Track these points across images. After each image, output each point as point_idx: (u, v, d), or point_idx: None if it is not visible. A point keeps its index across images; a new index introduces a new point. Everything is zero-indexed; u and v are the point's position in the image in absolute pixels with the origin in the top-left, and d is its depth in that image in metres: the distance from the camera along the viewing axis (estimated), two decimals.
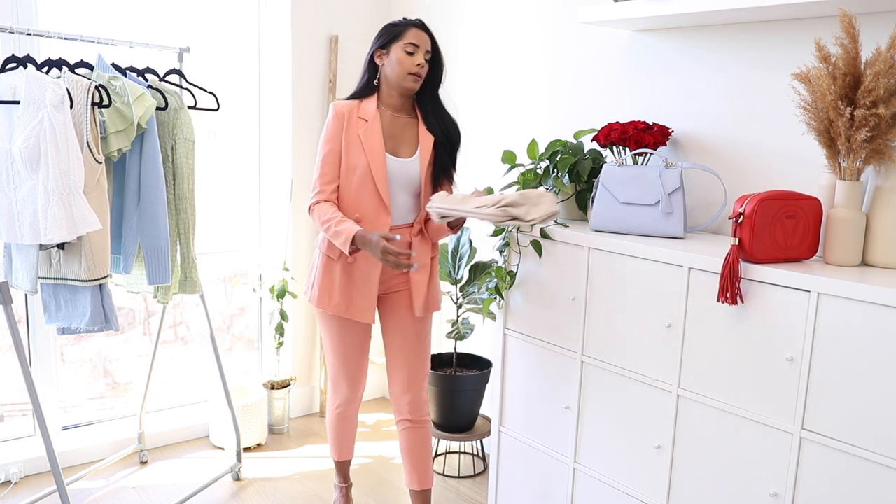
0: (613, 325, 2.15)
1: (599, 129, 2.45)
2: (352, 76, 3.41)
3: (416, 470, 2.43)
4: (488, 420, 3.16)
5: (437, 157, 2.31)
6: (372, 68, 2.30)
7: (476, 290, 2.96)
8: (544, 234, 2.30)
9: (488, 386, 3.09)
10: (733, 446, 1.88)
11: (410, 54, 2.20)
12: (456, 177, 2.38)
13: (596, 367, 2.21)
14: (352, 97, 2.32)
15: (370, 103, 2.27)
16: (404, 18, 2.27)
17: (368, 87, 2.31)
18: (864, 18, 1.94)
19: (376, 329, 2.55)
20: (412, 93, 2.27)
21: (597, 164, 2.37)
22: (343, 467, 2.68)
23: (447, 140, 2.32)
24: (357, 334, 2.39)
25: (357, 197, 2.24)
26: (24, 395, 2.99)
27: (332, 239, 2.18)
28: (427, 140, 2.29)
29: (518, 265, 2.43)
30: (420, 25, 2.25)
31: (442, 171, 2.32)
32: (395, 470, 3.10)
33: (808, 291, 1.70)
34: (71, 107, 2.16)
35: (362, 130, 2.23)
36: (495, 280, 2.42)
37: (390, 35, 2.23)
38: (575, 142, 2.47)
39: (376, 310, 2.38)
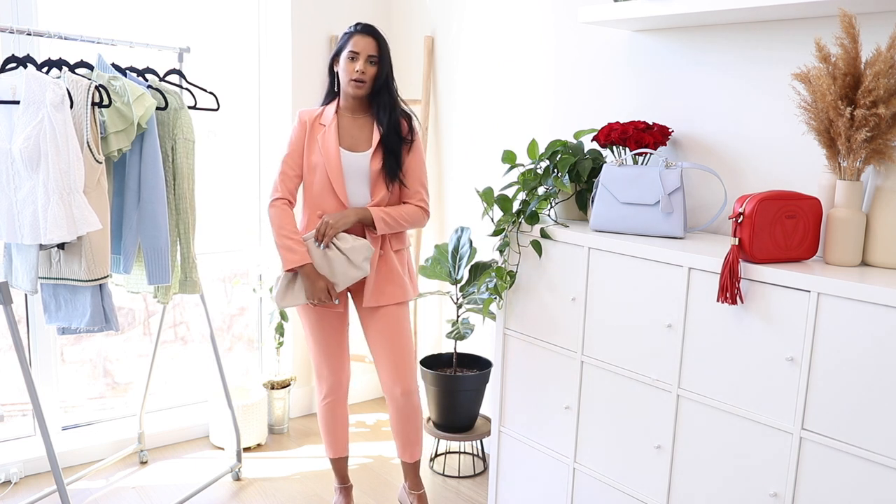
0: (613, 325, 2.15)
1: (599, 129, 2.45)
2: None
3: (408, 443, 2.59)
4: (488, 420, 3.16)
5: (384, 152, 2.43)
6: (332, 76, 2.47)
7: (476, 290, 2.96)
8: (544, 234, 2.30)
9: (488, 386, 3.09)
10: (733, 446, 1.88)
11: (352, 61, 2.35)
12: (404, 177, 2.47)
13: (596, 367, 2.21)
14: (321, 104, 2.49)
15: (330, 109, 2.45)
16: (352, 26, 2.40)
17: (330, 94, 2.48)
18: (864, 18, 1.94)
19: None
20: (359, 96, 2.41)
21: (597, 164, 2.37)
22: (340, 466, 2.69)
23: (387, 137, 2.43)
24: (332, 320, 2.51)
25: (319, 194, 2.41)
26: (24, 395, 2.99)
27: (281, 249, 2.36)
28: (377, 135, 2.43)
29: (518, 265, 2.43)
30: (362, 31, 2.37)
31: (385, 166, 2.42)
32: (395, 470, 3.10)
33: (808, 291, 1.70)
34: (71, 107, 2.16)
35: (321, 135, 2.41)
36: (495, 280, 2.42)
37: (339, 44, 2.41)
38: (575, 142, 2.47)
39: (353, 305, 2.60)
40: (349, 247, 2.36)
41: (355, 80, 2.35)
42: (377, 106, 2.43)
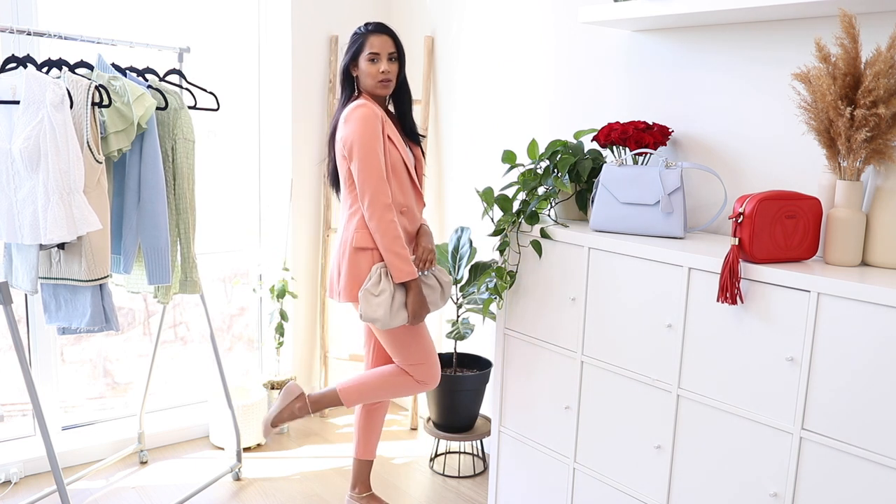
0: (613, 325, 2.15)
1: (599, 129, 2.45)
2: None
3: (373, 441, 2.66)
4: (488, 420, 3.16)
5: (418, 146, 2.51)
6: (349, 80, 2.41)
7: (476, 290, 2.96)
8: (544, 234, 2.30)
9: (488, 386, 3.09)
10: (733, 446, 1.88)
11: (373, 62, 2.32)
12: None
13: (596, 367, 2.21)
14: (340, 106, 2.42)
15: (374, 104, 2.35)
16: (362, 26, 2.37)
17: (349, 98, 2.41)
18: (864, 18, 1.94)
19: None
20: (387, 94, 2.40)
21: (597, 164, 2.37)
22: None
23: (412, 130, 2.47)
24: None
25: (400, 192, 2.36)
26: (24, 395, 2.99)
27: (399, 259, 2.26)
28: (407, 130, 2.47)
29: (518, 265, 2.43)
30: (376, 30, 2.34)
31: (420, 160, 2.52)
32: (395, 470, 3.10)
33: (808, 291, 1.70)
34: (71, 107, 2.16)
35: (390, 130, 2.35)
36: (495, 280, 2.42)
37: (354, 48, 2.36)
38: (575, 142, 2.47)
39: None
40: (447, 281, 2.46)
41: (382, 81, 2.32)
42: (399, 101, 2.44)
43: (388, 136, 2.33)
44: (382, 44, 2.32)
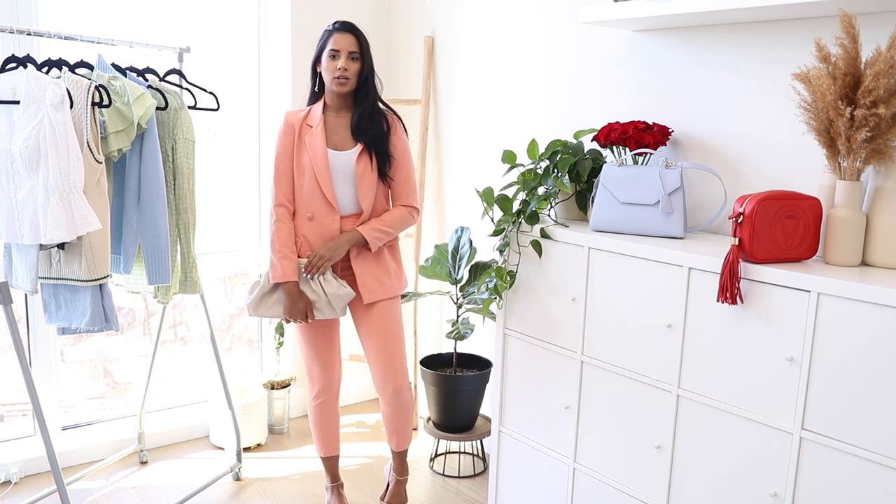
0: (613, 325, 2.15)
1: (599, 129, 2.45)
2: None
3: (395, 433, 2.60)
4: (488, 420, 3.16)
5: (368, 149, 2.41)
6: (315, 77, 2.45)
7: (476, 290, 2.96)
8: (544, 234, 2.30)
9: (488, 386, 3.09)
10: (733, 446, 1.88)
11: (333, 59, 2.35)
12: (394, 173, 2.48)
13: (596, 367, 2.21)
14: (308, 104, 2.48)
15: (317, 108, 2.43)
16: (330, 24, 2.40)
17: (313, 95, 2.47)
18: (864, 18, 1.94)
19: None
20: (344, 93, 2.39)
21: (597, 164, 2.37)
22: (331, 465, 2.69)
23: (359, 129, 2.41)
24: (324, 320, 2.50)
25: (309, 196, 2.40)
26: (24, 395, 2.99)
27: (270, 261, 2.40)
28: (352, 130, 2.44)
29: (518, 265, 2.43)
30: (341, 28, 2.37)
31: (374, 164, 2.42)
32: None
33: (808, 291, 1.70)
34: (71, 107, 2.16)
35: (308, 136, 2.40)
36: (495, 280, 2.42)
37: (319, 44, 2.41)
38: (575, 142, 2.47)
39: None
40: (332, 292, 2.40)
41: (339, 78, 2.34)
42: (357, 101, 2.42)
43: (306, 141, 2.39)
44: (345, 42, 2.34)
